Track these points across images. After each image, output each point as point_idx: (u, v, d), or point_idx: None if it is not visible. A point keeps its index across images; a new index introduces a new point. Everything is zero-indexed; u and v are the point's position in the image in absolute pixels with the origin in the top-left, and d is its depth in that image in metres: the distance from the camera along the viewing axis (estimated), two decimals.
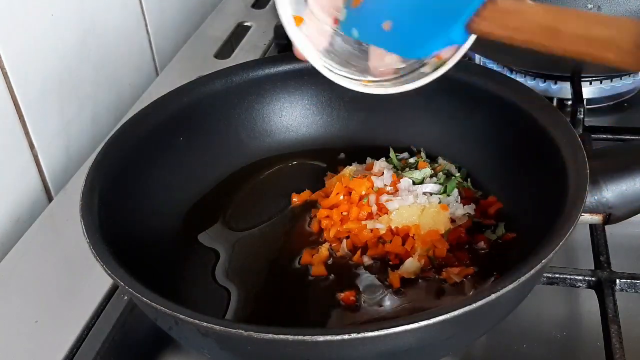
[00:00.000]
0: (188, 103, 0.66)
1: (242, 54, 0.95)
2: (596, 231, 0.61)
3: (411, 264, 0.57)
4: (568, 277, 0.58)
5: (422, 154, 0.68)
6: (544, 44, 0.43)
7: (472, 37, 0.49)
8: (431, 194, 0.63)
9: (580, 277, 0.57)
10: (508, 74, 0.78)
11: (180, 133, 0.65)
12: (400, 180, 0.64)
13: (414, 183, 0.64)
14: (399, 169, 0.66)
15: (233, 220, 0.65)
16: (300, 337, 0.41)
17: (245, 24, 1.03)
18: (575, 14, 0.41)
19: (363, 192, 0.63)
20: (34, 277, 0.63)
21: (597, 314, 0.55)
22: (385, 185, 0.64)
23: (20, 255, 0.66)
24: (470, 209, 0.62)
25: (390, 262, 0.58)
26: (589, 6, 0.68)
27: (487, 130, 0.64)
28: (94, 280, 0.61)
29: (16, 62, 0.71)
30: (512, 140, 0.62)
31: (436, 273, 0.57)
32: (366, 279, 0.57)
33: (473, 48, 0.52)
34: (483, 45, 0.50)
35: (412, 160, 0.67)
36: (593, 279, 0.57)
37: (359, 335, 0.41)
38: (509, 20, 0.44)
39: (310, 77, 0.69)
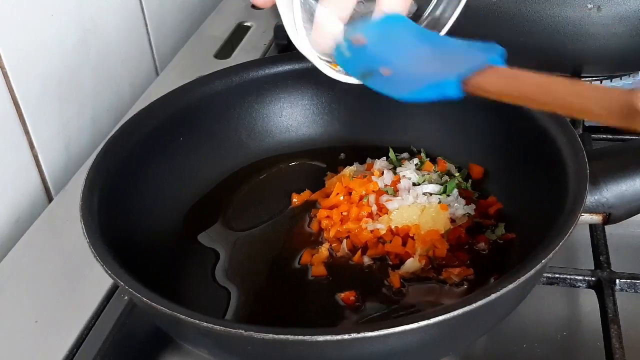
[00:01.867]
0: (188, 103, 0.66)
1: (242, 54, 0.95)
2: (596, 231, 0.61)
3: (411, 264, 0.57)
4: (568, 277, 0.58)
5: (422, 154, 0.68)
6: (535, 103, 0.44)
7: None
8: (431, 194, 0.63)
9: (580, 277, 0.57)
10: None
11: (180, 133, 0.65)
12: (400, 180, 0.64)
13: (414, 184, 0.64)
14: None
15: (233, 220, 0.65)
16: (300, 337, 0.41)
17: (245, 24, 1.03)
18: (564, 80, 0.43)
19: (363, 192, 0.63)
20: (34, 277, 0.63)
21: (597, 314, 0.55)
22: (386, 185, 0.64)
23: (20, 255, 0.66)
24: (470, 209, 0.62)
25: (390, 262, 0.58)
26: (589, 6, 0.68)
27: (487, 131, 0.64)
28: (94, 280, 0.61)
29: (16, 62, 0.71)
30: (512, 141, 0.62)
31: (436, 273, 0.57)
32: (366, 279, 0.57)
33: None
34: None
35: (415, 161, 0.67)
36: (593, 279, 0.57)
37: (359, 335, 0.41)
38: (503, 83, 0.45)
39: (310, 77, 0.69)
